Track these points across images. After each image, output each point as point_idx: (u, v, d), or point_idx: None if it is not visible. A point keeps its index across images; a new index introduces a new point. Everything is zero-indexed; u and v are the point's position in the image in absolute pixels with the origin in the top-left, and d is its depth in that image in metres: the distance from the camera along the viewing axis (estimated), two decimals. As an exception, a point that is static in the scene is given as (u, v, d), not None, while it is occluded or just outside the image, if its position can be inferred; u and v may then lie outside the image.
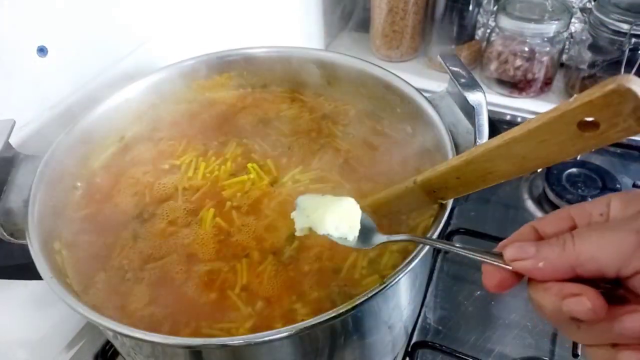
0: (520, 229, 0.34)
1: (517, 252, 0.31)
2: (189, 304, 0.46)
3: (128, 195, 0.57)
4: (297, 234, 0.43)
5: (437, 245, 0.41)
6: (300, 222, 0.43)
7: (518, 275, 0.31)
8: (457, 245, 0.38)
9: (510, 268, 0.31)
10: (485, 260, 0.33)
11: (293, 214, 0.44)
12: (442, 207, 0.46)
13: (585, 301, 0.27)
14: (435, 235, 0.43)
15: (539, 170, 0.87)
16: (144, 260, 0.50)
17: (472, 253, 0.34)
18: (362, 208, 0.52)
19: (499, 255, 0.32)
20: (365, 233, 0.43)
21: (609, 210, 0.31)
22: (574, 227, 0.32)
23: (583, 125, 0.29)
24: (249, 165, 0.60)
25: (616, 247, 0.27)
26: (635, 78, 0.26)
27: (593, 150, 0.30)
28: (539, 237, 0.33)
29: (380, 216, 0.52)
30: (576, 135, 0.29)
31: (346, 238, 0.42)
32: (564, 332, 0.30)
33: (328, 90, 0.70)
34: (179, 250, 0.51)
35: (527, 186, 0.87)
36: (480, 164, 0.37)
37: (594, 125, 0.28)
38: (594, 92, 0.27)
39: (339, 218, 0.41)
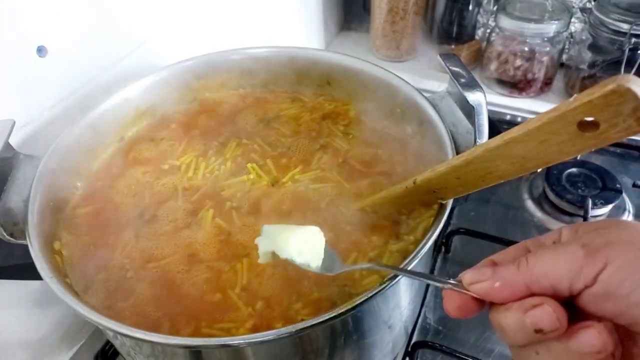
0: (479, 263, 0.34)
1: (474, 274, 0.32)
2: (190, 303, 0.46)
3: (128, 195, 0.57)
4: (260, 260, 0.42)
5: (400, 274, 0.40)
6: (264, 246, 0.42)
7: (479, 302, 0.32)
8: (418, 272, 0.38)
9: (469, 293, 0.31)
10: (445, 285, 0.33)
11: (257, 240, 0.43)
12: (442, 207, 0.46)
13: (548, 308, 0.27)
14: (435, 235, 0.43)
15: (539, 170, 0.87)
16: (145, 260, 0.50)
17: (433, 279, 0.35)
18: (362, 208, 0.52)
19: (461, 283, 0.33)
20: (328, 262, 0.42)
21: (560, 238, 0.33)
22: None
23: (583, 125, 0.29)
24: (249, 165, 0.60)
25: (566, 262, 0.28)
26: (635, 78, 0.26)
27: (593, 150, 0.30)
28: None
29: (380, 216, 0.52)
30: (576, 135, 0.29)
31: (309, 265, 0.41)
32: None
33: (328, 90, 0.70)
34: (180, 250, 0.51)
35: (527, 186, 0.87)
36: (480, 164, 0.37)
37: (594, 125, 0.28)
38: (594, 92, 0.27)
39: (303, 243, 0.41)
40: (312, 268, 0.41)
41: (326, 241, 0.43)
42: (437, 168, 0.42)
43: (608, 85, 0.26)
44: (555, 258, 0.29)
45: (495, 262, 0.34)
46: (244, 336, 0.38)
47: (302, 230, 0.42)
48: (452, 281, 0.33)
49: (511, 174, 0.36)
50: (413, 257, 0.41)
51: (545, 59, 0.98)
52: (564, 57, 1.05)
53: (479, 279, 0.31)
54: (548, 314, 0.27)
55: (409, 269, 0.40)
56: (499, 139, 0.34)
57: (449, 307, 0.33)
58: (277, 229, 0.43)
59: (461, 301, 0.32)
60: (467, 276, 0.32)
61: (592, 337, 0.27)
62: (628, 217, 0.80)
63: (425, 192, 0.45)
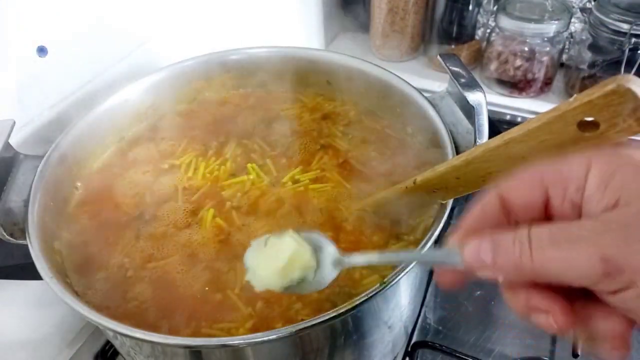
0: (485, 199, 0.30)
1: (474, 257, 0.28)
2: (190, 304, 0.46)
3: (128, 195, 0.57)
4: (258, 289, 0.39)
5: (405, 259, 0.39)
6: (257, 284, 0.38)
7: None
8: (415, 251, 0.37)
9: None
10: (445, 262, 0.31)
11: (247, 277, 0.39)
12: (442, 207, 0.46)
13: (552, 322, 0.26)
14: (435, 235, 0.43)
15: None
16: (145, 260, 0.50)
17: (432, 258, 0.34)
18: (362, 208, 0.52)
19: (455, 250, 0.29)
20: (327, 263, 0.38)
21: (586, 186, 0.26)
22: (546, 202, 0.28)
23: (583, 126, 0.29)
24: (249, 165, 0.60)
25: (578, 270, 0.24)
26: (635, 78, 0.26)
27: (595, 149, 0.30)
28: (506, 211, 0.29)
29: (380, 216, 0.52)
30: (576, 136, 0.29)
31: (305, 279, 0.37)
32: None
33: (328, 90, 0.70)
34: (180, 250, 0.51)
35: (527, 186, 0.86)
36: (480, 164, 0.37)
37: (594, 125, 0.28)
38: (594, 92, 0.27)
39: (290, 265, 0.37)
40: (313, 283, 0.38)
41: (316, 238, 0.39)
42: (437, 168, 0.42)
43: (608, 85, 0.26)
44: (564, 263, 0.24)
45: (503, 198, 0.29)
46: (244, 336, 0.38)
47: (282, 252, 0.38)
48: (452, 255, 0.30)
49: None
50: (413, 257, 0.41)
51: (545, 59, 0.98)
52: (564, 57, 1.05)
53: (479, 264, 0.27)
54: (550, 325, 0.25)
55: (409, 267, 0.40)
56: (498, 139, 0.34)
57: (443, 282, 0.30)
58: (256, 260, 0.39)
59: (455, 277, 0.30)
60: (467, 256, 0.28)
61: (609, 325, 0.25)
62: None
63: (425, 192, 0.45)
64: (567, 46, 1.03)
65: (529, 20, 0.95)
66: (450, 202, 0.46)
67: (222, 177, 0.59)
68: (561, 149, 0.31)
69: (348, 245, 0.50)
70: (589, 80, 0.99)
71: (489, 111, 0.51)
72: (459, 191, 0.42)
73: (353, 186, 0.56)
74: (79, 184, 0.57)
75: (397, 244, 0.49)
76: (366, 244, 0.50)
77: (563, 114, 0.29)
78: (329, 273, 0.38)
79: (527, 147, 0.33)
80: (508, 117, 1.02)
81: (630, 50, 0.88)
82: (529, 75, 1.01)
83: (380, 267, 0.48)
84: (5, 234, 0.46)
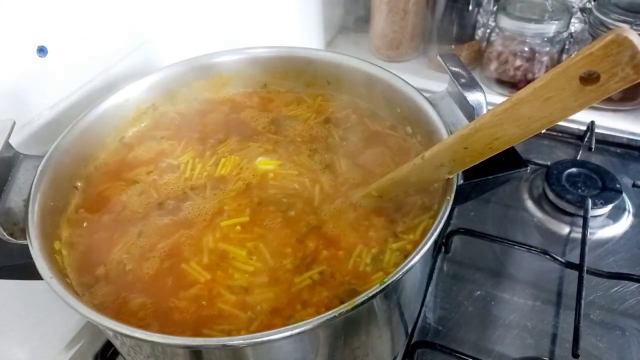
0: None
1: None
2: (192, 304, 0.46)
3: (129, 195, 0.57)
4: None
5: None
6: None
7: None
8: None
9: None
10: None
11: None
12: (442, 207, 0.46)
13: None
14: (435, 235, 0.43)
15: (538, 171, 0.87)
16: (146, 260, 0.50)
17: None
18: (367, 193, 0.53)
19: None
20: None
21: None
22: None
23: (584, 80, 0.31)
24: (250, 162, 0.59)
25: None
26: (631, 30, 0.28)
27: (595, 103, 0.33)
28: None
29: (387, 199, 0.52)
30: (578, 90, 0.32)
31: None
32: None
33: (328, 90, 0.70)
34: (182, 251, 0.51)
35: (527, 186, 0.87)
36: (487, 130, 0.39)
37: (595, 79, 0.30)
38: (594, 45, 0.29)
39: None
40: None
41: None
42: (446, 141, 0.43)
43: (607, 37, 0.28)
44: None
45: None
46: (244, 336, 0.37)
47: None
48: None
49: (517, 137, 0.38)
50: (413, 257, 0.41)
51: (545, 59, 0.98)
52: (564, 57, 1.05)
53: None
54: None
55: (409, 266, 0.41)
56: (506, 103, 0.36)
57: None
58: None
59: None
60: None
61: None
62: (628, 217, 0.80)
63: (433, 168, 0.46)
64: (567, 46, 1.03)
65: (529, 20, 0.95)
66: (450, 202, 0.46)
67: (223, 176, 0.58)
68: (565, 105, 0.33)
69: (351, 238, 0.50)
70: (589, 80, 0.99)
71: (489, 111, 0.51)
72: (466, 162, 0.43)
73: (352, 185, 0.56)
74: (79, 184, 0.57)
75: (397, 243, 0.49)
76: (369, 237, 0.50)
77: (566, 69, 0.31)
78: None
79: (532, 107, 0.35)
80: (508, 117, 1.02)
81: (630, 50, 0.88)
82: (529, 76, 1.01)
83: (384, 265, 0.48)
84: (5, 234, 0.46)
